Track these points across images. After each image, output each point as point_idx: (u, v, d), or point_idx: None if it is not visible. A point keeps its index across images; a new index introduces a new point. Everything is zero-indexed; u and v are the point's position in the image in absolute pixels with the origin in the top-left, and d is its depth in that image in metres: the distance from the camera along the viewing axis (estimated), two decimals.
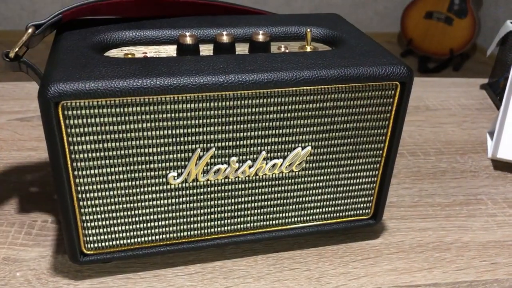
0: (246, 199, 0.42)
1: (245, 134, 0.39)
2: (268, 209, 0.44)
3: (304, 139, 0.41)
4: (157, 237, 0.42)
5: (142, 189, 0.39)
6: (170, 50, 0.43)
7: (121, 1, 0.43)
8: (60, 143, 0.35)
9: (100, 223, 0.40)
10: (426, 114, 0.75)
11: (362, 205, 0.46)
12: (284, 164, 0.41)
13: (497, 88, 0.80)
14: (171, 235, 0.42)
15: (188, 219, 0.42)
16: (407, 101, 0.41)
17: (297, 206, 0.44)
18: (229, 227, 0.43)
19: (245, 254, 0.46)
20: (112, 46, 0.43)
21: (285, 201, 0.44)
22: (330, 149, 0.42)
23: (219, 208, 0.42)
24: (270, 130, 0.40)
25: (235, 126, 0.39)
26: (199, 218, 0.42)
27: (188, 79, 0.36)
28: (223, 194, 0.42)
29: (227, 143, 0.39)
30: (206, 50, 0.43)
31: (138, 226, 0.41)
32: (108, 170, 0.38)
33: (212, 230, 0.43)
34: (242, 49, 0.44)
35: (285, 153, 0.41)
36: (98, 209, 0.39)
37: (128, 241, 0.41)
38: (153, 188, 0.39)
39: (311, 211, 0.45)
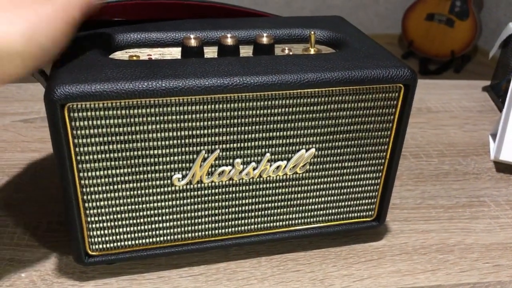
0: (250, 200, 0.43)
1: (249, 136, 0.39)
2: (272, 211, 0.44)
3: (308, 141, 0.41)
4: (162, 238, 0.42)
5: (147, 191, 0.39)
6: (174, 52, 0.44)
7: (126, 4, 0.43)
8: (66, 145, 0.36)
9: (105, 224, 0.40)
10: (428, 116, 0.75)
11: (365, 207, 0.46)
12: (288, 166, 0.42)
13: (499, 90, 0.81)
14: (176, 236, 0.42)
15: (193, 221, 0.42)
16: (411, 103, 0.41)
17: (301, 208, 0.44)
18: (233, 229, 0.44)
19: (249, 256, 0.46)
20: (117, 48, 0.43)
21: (289, 202, 0.44)
22: (334, 151, 0.42)
23: (223, 210, 0.42)
24: (274, 132, 0.40)
25: (239, 128, 0.39)
26: (203, 220, 0.42)
27: (193, 81, 0.36)
28: (227, 196, 0.42)
29: (231, 145, 0.39)
30: (210, 52, 0.44)
31: (142, 227, 0.41)
32: (114, 171, 0.38)
33: (217, 231, 0.43)
34: (246, 51, 0.44)
35: (289, 155, 0.41)
36: (103, 210, 0.39)
37: (133, 242, 0.42)
38: (158, 190, 0.40)
39: (315, 213, 0.45)
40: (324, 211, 0.45)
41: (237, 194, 0.42)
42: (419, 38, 3.07)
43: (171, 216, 0.41)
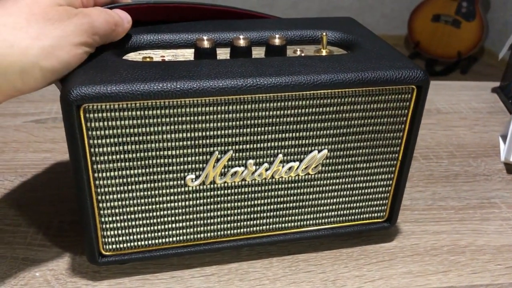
0: (263, 201, 0.43)
1: (262, 137, 0.40)
2: (284, 212, 0.44)
3: (321, 142, 0.41)
4: (175, 238, 0.42)
5: (160, 191, 0.40)
6: (187, 54, 0.44)
7: (139, 6, 0.43)
8: (82, 146, 0.36)
9: (118, 224, 0.40)
10: (437, 117, 0.75)
11: (377, 208, 0.46)
12: (300, 167, 0.42)
13: (509, 91, 0.80)
14: (188, 236, 0.43)
15: (205, 221, 0.42)
16: (423, 104, 0.41)
17: (312, 209, 0.45)
18: (245, 229, 0.44)
19: (261, 256, 0.46)
20: (131, 49, 0.43)
21: (301, 203, 0.44)
22: (346, 152, 0.42)
23: (235, 210, 0.43)
24: (287, 133, 0.40)
25: (252, 129, 0.39)
26: (216, 220, 0.42)
27: (207, 82, 0.36)
28: (240, 197, 0.42)
29: (244, 146, 0.40)
30: (222, 53, 0.44)
31: (156, 227, 0.41)
32: (128, 172, 0.38)
33: (229, 232, 0.43)
34: (258, 52, 0.45)
35: (302, 156, 0.41)
36: (117, 210, 0.40)
37: (146, 242, 0.42)
38: (172, 190, 0.40)
39: (327, 214, 0.45)
40: (336, 212, 0.45)
41: (250, 195, 0.42)
42: (425, 39, 3.06)
43: (184, 217, 0.42)
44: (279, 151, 0.41)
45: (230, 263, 0.45)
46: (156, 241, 0.42)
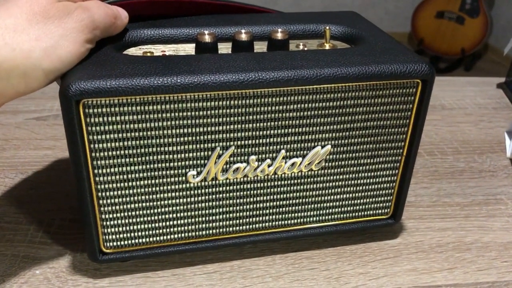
0: (265, 198, 0.42)
1: (264, 132, 0.39)
2: (287, 208, 0.43)
3: (324, 137, 0.40)
4: (176, 235, 0.42)
5: (161, 188, 0.39)
6: (188, 49, 0.43)
7: (139, 1, 0.43)
8: (81, 141, 0.35)
9: (119, 221, 0.40)
10: (442, 113, 0.74)
11: (381, 205, 0.46)
12: (303, 163, 0.41)
13: None
14: (190, 233, 0.42)
15: (207, 218, 0.42)
16: (428, 99, 0.41)
17: (316, 205, 0.44)
18: (247, 226, 0.43)
19: (263, 254, 0.46)
20: (131, 44, 0.43)
21: (304, 200, 0.43)
22: (350, 148, 0.42)
23: (238, 207, 0.42)
24: (289, 128, 0.39)
25: (254, 125, 0.38)
26: (218, 217, 0.42)
27: (208, 77, 0.35)
28: (242, 193, 0.41)
29: (246, 142, 0.39)
30: (224, 48, 0.43)
31: (157, 224, 0.41)
32: (128, 168, 0.38)
33: (231, 229, 0.43)
34: (260, 47, 0.44)
35: (305, 152, 0.41)
36: (117, 207, 0.39)
37: (147, 239, 0.41)
38: (173, 187, 0.39)
39: (330, 210, 0.45)
40: (340, 209, 0.45)
41: (252, 191, 0.41)
42: (429, 36, 3.05)
43: (185, 213, 0.41)
44: (281, 146, 0.40)
45: (232, 260, 0.45)
46: (157, 238, 0.42)
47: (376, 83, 0.39)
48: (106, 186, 0.38)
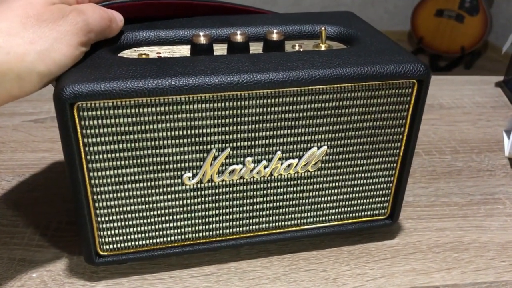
0: (261, 199, 0.42)
1: (260, 134, 0.39)
2: (284, 210, 0.43)
3: (320, 138, 0.40)
4: (172, 238, 0.42)
5: (157, 190, 0.39)
6: (183, 50, 0.43)
7: (134, 4, 0.43)
8: (76, 144, 0.35)
9: (115, 224, 0.40)
10: (440, 112, 0.74)
11: (378, 205, 0.46)
12: (299, 164, 0.41)
13: None
14: (186, 236, 0.42)
15: (203, 220, 0.42)
16: (425, 99, 0.40)
17: (312, 206, 0.44)
18: (244, 228, 0.43)
19: (260, 255, 0.46)
20: (126, 46, 0.42)
21: (300, 201, 0.43)
22: (346, 148, 0.41)
23: (234, 209, 0.42)
24: (285, 129, 0.39)
25: (250, 126, 0.38)
26: (214, 219, 0.42)
27: (203, 79, 0.35)
28: (238, 195, 0.41)
29: (242, 143, 0.39)
30: (219, 49, 0.43)
31: (153, 227, 0.41)
32: (124, 171, 0.37)
33: (227, 230, 0.43)
34: (256, 48, 0.44)
35: (301, 153, 0.41)
36: (113, 210, 0.39)
37: (143, 242, 0.41)
38: (168, 189, 0.39)
39: (327, 211, 0.45)
40: (337, 210, 0.45)
41: (248, 193, 0.41)
42: (428, 35, 3.05)
43: (181, 216, 0.41)
44: (277, 148, 0.40)
45: (229, 262, 0.45)
46: (154, 240, 0.42)
47: (372, 83, 0.39)
48: (102, 188, 0.38)
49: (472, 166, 0.61)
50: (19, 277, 0.42)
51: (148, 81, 0.34)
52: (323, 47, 0.44)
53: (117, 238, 0.40)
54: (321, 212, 0.44)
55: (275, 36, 0.42)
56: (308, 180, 0.42)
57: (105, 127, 0.35)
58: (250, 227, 0.43)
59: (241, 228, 0.43)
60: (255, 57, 0.39)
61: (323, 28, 0.44)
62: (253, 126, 0.38)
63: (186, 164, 0.39)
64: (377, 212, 0.46)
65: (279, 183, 0.42)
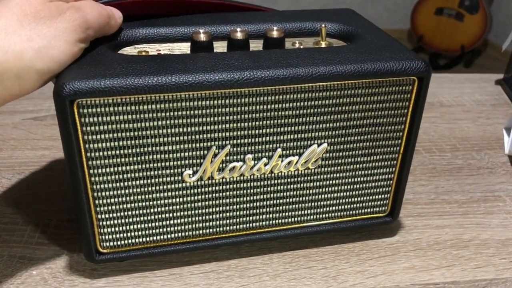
0: (262, 196, 0.42)
1: (260, 131, 0.39)
2: (284, 207, 0.43)
3: (320, 136, 0.40)
4: (173, 235, 0.42)
5: (157, 187, 0.39)
6: (183, 47, 0.43)
7: (134, 1, 0.43)
8: (76, 141, 0.35)
9: (115, 221, 0.40)
10: (440, 110, 0.74)
11: (378, 203, 0.46)
12: (299, 161, 0.41)
13: None
14: (187, 233, 0.42)
15: (204, 217, 0.42)
16: (425, 96, 0.40)
17: (313, 203, 0.44)
18: (244, 225, 0.43)
19: (261, 252, 0.46)
20: (126, 43, 0.42)
21: (300, 198, 0.43)
22: (346, 146, 0.41)
23: (234, 206, 0.42)
24: (285, 127, 0.39)
25: (250, 123, 0.38)
26: (214, 216, 0.42)
27: (203, 76, 0.35)
28: (238, 192, 0.41)
29: (242, 141, 0.39)
30: (220, 47, 0.43)
31: (153, 224, 0.41)
32: (124, 168, 0.37)
33: (228, 228, 0.43)
34: (256, 45, 0.44)
35: (301, 150, 0.41)
36: (113, 207, 0.39)
37: (144, 239, 0.41)
38: (169, 186, 0.39)
39: (327, 208, 0.45)
40: (337, 207, 0.45)
41: (249, 190, 0.41)
42: (428, 33, 3.04)
43: (182, 213, 0.41)
44: (278, 145, 0.40)
45: (229, 259, 0.45)
46: (154, 238, 0.42)
47: (372, 80, 0.39)
48: (102, 186, 0.38)
49: (472, 164, 0.61)
50: (19, 274, 0.42)
51: (148, 78, 0.34)
52: (323, 44, 0.44)
53: (117, 236, 0.40)
54: (322, 210, 0.44)
55: (275, 33, 0.42)
56: (308, 178, 0.42)
57: (105, 124, 0.35)
58: (250, 224, 0.43)
59: (241, 226, 0.43)
60: (255, 54, 0.39)
61: (323, 25, 0.44)
62: (253, 123, 0.38)
63: (186, 162, 0.38)
64: (378, 209, 0.46)
65: (279, 181, 0.42)
